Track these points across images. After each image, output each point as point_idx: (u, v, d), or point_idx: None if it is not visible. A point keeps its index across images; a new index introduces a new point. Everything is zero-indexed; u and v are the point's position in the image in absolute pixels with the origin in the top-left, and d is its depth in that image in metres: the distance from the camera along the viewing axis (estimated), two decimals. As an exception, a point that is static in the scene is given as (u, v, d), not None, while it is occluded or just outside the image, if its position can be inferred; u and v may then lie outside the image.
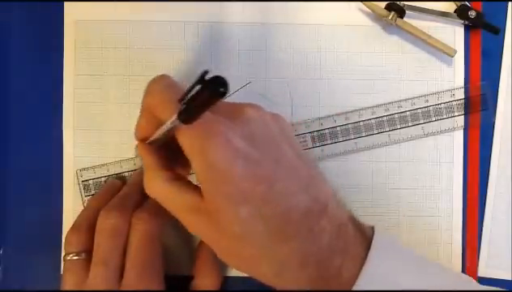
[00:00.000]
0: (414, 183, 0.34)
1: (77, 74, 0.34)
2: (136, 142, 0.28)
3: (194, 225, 0.24)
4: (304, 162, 0.24)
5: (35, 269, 0.34)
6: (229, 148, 0.22)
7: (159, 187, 0.25)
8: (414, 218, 0.34)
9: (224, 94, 0.18)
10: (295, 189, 0.23)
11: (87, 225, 0.29)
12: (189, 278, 0.31)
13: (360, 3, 0.33)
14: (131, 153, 0.34)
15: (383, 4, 0.33)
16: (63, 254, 0.29)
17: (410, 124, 0.34)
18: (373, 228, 0.25)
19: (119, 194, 0.30)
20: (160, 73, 0.33)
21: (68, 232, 0.29)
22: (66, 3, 0.34)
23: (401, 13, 0.33)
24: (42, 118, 0.34)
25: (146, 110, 0.26)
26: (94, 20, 0.34)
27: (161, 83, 0.26)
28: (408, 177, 0.34)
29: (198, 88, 0.18)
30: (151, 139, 0.26)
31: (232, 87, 0.33)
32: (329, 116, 0.33)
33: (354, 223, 0.25)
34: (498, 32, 0.33)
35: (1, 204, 0.34)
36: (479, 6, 0.34)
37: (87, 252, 0.28)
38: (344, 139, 0.33)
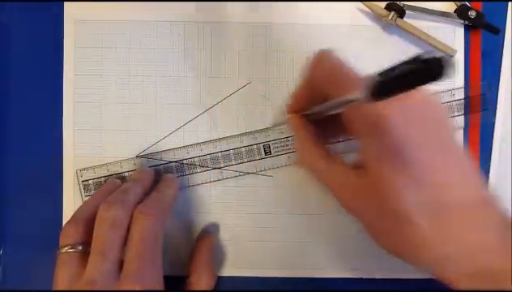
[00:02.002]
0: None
1: (77, 74, 0.34)
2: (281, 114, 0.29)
3: (351, 204, 0.24)
4: (465, 153, 0.24)
5: (35, 269, 0.34)
6: (407, 130, 0.22)
7: (318, 164, 0.25)
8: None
9: (440, 76, 0.17)
10: (463, 179, 0.23)
11: (86, 218, 0.28)
12: (187, 278, 0.31)
13: (360, 3, 0.33)
14: (131, 153, 0.34)
15: (383, 4, 0.33)
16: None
17: (410, 124, 0.34)
18: None
19: (120, 188, 0.30)
20: (160, 72, 0.34)
21: (65, 224, 0.28)
22: (66, 3, 0.34)
23: (401, 13, 0.33)
24: (42, 118, 0.34)
25: (310, 83, 0.26)
26: (94, 20, 0.34)
27: (330, 58, 0.25)
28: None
29: (409, 65, 0.17)
30: (310, 112, 0.26)
31: (232, 87, 0.34)
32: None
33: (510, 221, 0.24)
34: (498, 32, 0.33)
35: (1, 204, 0.34)
36: (479, 6, 0.34)
37: (84, 245, 0.27)
38: (345, 138, 0.33)
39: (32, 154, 0.34)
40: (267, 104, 0.34)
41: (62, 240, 0.28)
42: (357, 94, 0.20)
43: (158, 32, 0.34)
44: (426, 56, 0.17)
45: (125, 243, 0.27)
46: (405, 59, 0.17)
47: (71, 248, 0.27)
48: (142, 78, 0.34)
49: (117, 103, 0.34)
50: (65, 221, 0.33)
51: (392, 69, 0.18)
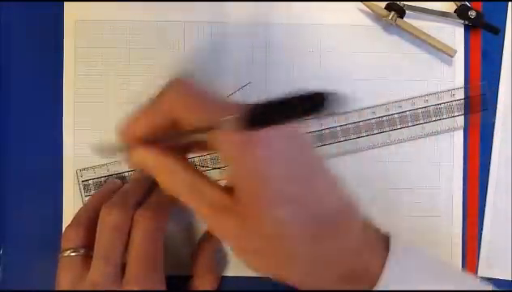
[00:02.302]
0: (414, 183, 0.34)
1: (77, 74, 0.34)
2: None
3: (220, 225, 0.24)
4: (327, 166, 0.24)
5: (35, 269, 0.34)
6: (270, 151, 0.22)
7: (184, 187, 0.24)
8: (413, 218, 0.34)
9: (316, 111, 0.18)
10: (327, 191, 0.23)
11: (87, 221, 0.28)
12: (189, 278, 0.31)
13: (360, 3, 0.33)
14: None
15: (383, 4, 0.33)
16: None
17: (410, 124, 0.34)
18: (384, 231, 0.26)
19: (121, 190, 0.30)
20: (160, 72, 0.34)
21: (66, 227, 0.28)
22: (66, 3, 0.34)
23: (401, 13, 0.33)
24: (42, 118, 0.34)
25: (160, 110, 0.24)
26: (94, 20, 0.34)
27: (184, 85, 0.24)
28: (408, 177, 0.34)
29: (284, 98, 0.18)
30: (167, 139, 0.25)
31: (232, 86, 0.34)
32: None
33: (371, 224, 0.25)
34: (498, 32, 0.33)
35: (1, 204, 0.34)
36: (479, 6, 0.34)
37: (86, 248, 0.27)
38: (344, 139, 0.33)
39: (32, 154, 0.34)
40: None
41: (64, 244, 0.28)
42: (231, 121, 0.19)
43: (158, 32, 0.34)
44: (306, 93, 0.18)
45: (127, 246, 0.27)
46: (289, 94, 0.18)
47: (73, 252, 0.27)
48: (142, 78, 0.34)
49: (117, 103, 0.34)
50: (65, 221, 0.33)
51: (269, 102, 0.18)
